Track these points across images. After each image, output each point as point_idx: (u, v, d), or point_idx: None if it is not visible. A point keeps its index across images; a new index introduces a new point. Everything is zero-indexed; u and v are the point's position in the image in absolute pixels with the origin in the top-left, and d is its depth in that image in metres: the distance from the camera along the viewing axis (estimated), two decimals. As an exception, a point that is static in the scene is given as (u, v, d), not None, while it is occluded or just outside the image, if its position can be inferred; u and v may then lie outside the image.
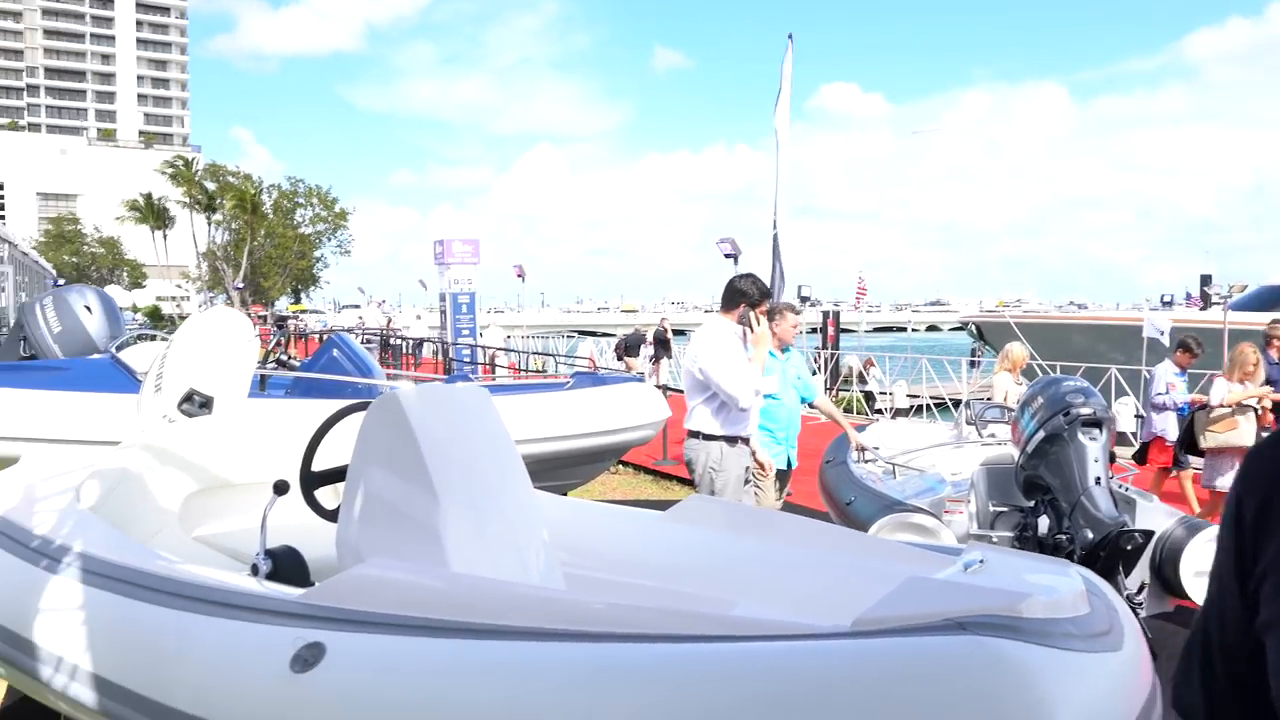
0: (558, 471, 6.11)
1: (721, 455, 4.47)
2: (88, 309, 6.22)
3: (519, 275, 29.73)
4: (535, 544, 2.37)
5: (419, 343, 24.63)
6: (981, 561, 1.97)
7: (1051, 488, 4.58)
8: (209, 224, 56.72)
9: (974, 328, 27.49)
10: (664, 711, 1.50)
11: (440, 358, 22.47)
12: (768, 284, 4.72)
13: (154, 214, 61.88)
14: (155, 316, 47.35)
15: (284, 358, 6.60)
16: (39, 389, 5.49)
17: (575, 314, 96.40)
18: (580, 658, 1.62)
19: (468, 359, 21.40)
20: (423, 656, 1.72)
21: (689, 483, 9.60)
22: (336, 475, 2.58)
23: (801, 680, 1.46)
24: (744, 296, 4.54)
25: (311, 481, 2.56)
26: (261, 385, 6.05)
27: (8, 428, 5.38)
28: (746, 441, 4.59)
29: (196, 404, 3.38)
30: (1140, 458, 7.68)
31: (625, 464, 9.67)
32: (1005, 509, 5.11)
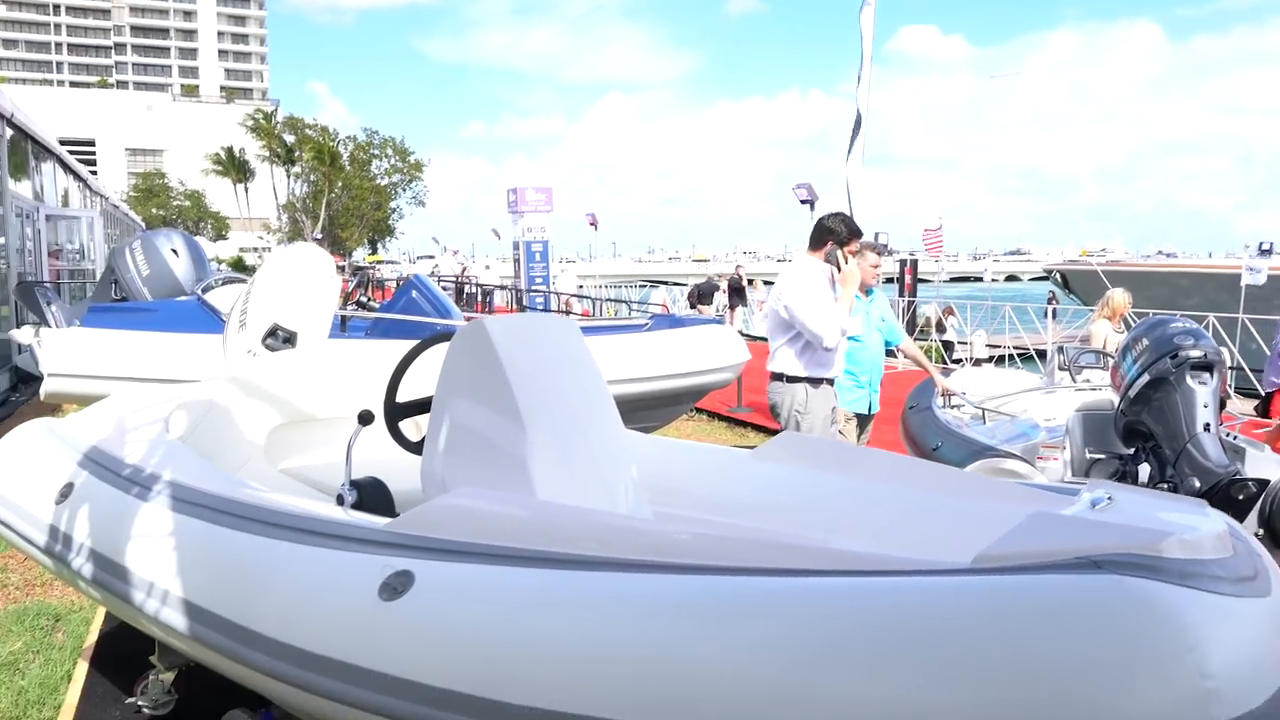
0: (634, 415, 6.04)
1: (807, 398, 4.34)
2: (174, 252, 6.33)
3: (592, 224, 29.60)
4: (624, 478, 2.29)
5: (491, 290, 24.79)
6: (1109, 499, 1.83)
7: (1154, 434, 4.36)
8: (288, 176, 57.77)
9: (1059, 276, 26.60)
10: (770, 648, 1.41)
11: (513, 305, 22.56)
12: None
13: (235, 167, 63.33)
14: (239, 267, 48.63)
15: (364, 300, 6.64)
16: (130, 330, 5.62)
17: (647, 264, 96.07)
18: (676, 590, 1.54)
19: (541, 307, 21.48)
20: (513, 586, 1.66)
21: (764, 429, 9.54)
22: (421, 407, 2.54)
23: (922, 617, 1.35)
24: (832, 234, 4.37)
25: (396, 413, 2.53)
26: (342, 326, 6.10)
27: (101, 367, 5.53)
28: (832, 384, 4.45)
29: (280, 339, 3.37)
30: (1263, 411, 7.30)
31: (699, 411, 9.59)
32: (1102, 456, 4.89)
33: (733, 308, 20.92)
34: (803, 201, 19.74)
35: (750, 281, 23.78)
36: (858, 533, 2.22)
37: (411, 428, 2.73)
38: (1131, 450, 4.60)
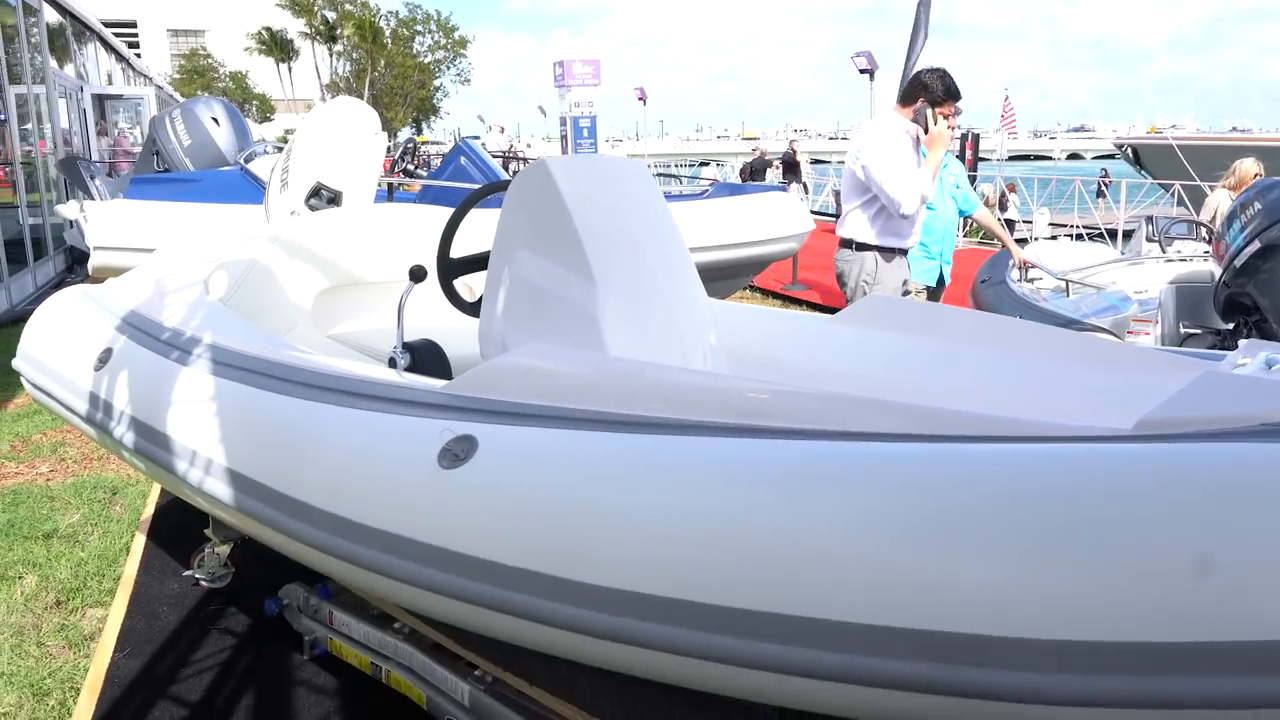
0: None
1: (877, 267, 4.05)
2: (215, 121, 6.11)
3: (640, 99, 28.71)
4: (702, 342, 2.07)
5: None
6: None
7: (1261, 308, 4.02)
8: (331, 55, 56.81)
9: (1129, 151, 25.30)
10: (907, 522, 1.20)
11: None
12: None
13: (278, 46, 62.22)
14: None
15: (410, 169, 6.39)
16: (172, 200, 5.46)
17: (695, 142, 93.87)
18: (782, 457, 1.33)
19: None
20: (590, 451, 1.46)
21: (821, 308, 9.25)
22: (478, 263, 2.32)
23: (1090, 488, 1.13)
24: (926, 90, 3.96)
25: (451, 270, 2.31)
26: (389, 196, 5.88)
27: (145, 239, 5.40)
28: (905, 255, 4.14)
29: (324, 199, 3.17)
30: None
31: (752, 288, 9.31)
32: (1198, 331, 4.57)
33: (786, 185, 20.33)
34: (862, 71, 18.77)
35: (819, 160, 22.95)
36: (978, 401, 1.97)
37: (466, 291, 2.52)
38: (1231, 325, 4.27)
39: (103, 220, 5.40)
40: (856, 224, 4.10)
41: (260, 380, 2.01)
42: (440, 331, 2.50)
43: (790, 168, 20.75)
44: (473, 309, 2.30)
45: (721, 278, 5.92)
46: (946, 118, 3.99)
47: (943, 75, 4.01)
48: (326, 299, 2.84)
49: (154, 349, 2.34)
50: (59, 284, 10.82)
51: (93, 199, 5.72)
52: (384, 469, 1.66)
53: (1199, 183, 14.41)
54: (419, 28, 55.62)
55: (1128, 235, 14.60)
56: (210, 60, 71.35)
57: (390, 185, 5.94)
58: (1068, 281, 5.05)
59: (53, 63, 14.24)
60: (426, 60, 56.35)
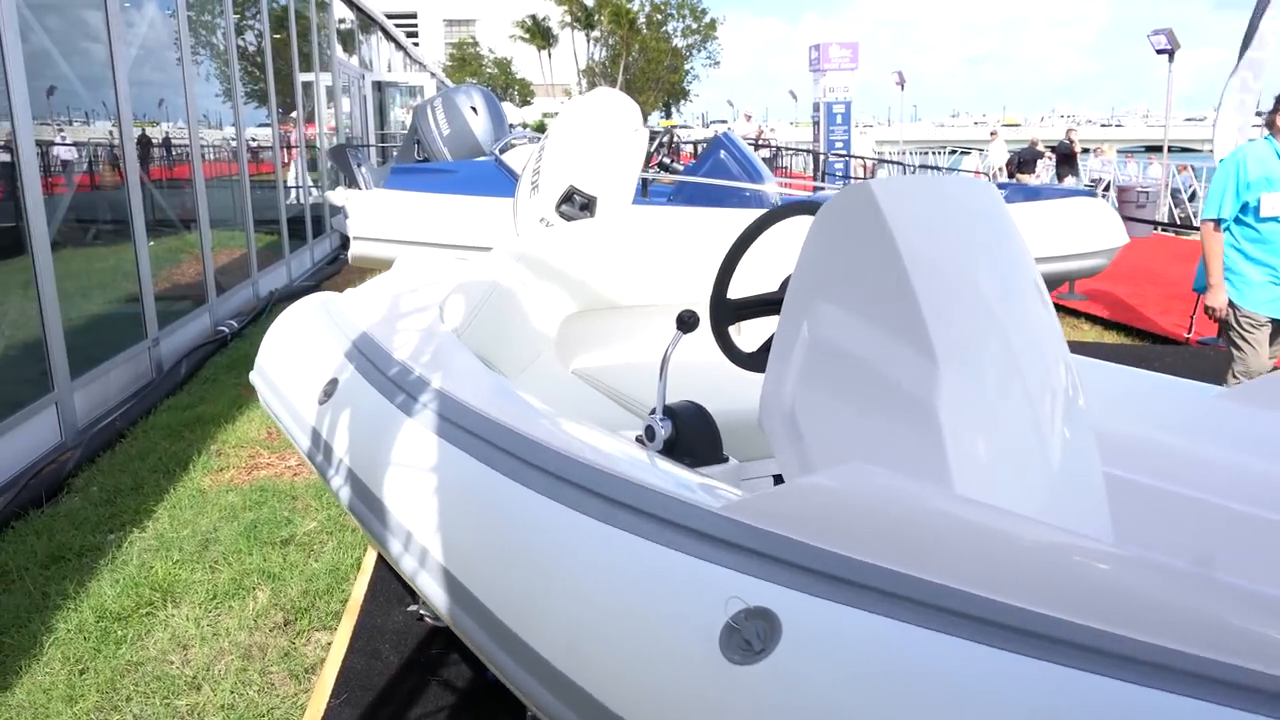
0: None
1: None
2: (474, 110, 6.02)
3: (898, 83, 27.35)
4: (1080, 442, 1.48)
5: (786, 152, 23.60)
6: None
7: None
8: (588, 41, 58.51)
9: None
10: None
11: (813, 172, 21.37)
12: None
13: (540, 34, 64.93)
14: (542, 130, 50.36)
15: (666, 162, 6.03)
16: (426, 191, 5.40)
17: (949, 128, 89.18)
18: None
19: (840, 174, 20.16)
20: (983, 679, 0.92)
21: (1103, 322, 8.07)
22: (763, 306, 1.84)
23: None
24: None
25: (728, 314, 1.85)
26: (643, 191, 5.54)
27: (399, 231, 5.37)
28: None
29: (577, 205, 2.81)
30: None
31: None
32: None
33: (1060, 179, 18.41)
34: (1160, 51, 16.73)
35: (1088, 149, 20.78)
36: None
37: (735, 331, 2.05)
38: None
39: (362, 210, 5.43)
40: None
41: (488, 453, 1.63)
42: (701, 374, 2.05)
43: (1065, 159, 18.77)
44: (751, 361, 1.83)
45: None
46: None
47: None
48: (573, 325, 2.47)
49: (380, 387, 2.05)
50: (333, 260, 11.49)
51: (358, 187, 5.78)
52: (643, 638, 1.20)
53: None
54: (671, 12, 56.12)
55: None
56: (477, 48, 75.67)
57: (644, 180, 5.60)
58: None
59: (340, 53, 15.24)
60: (678, 44, 56.81)
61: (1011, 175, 19.63)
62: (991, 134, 22.85)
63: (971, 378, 1.37)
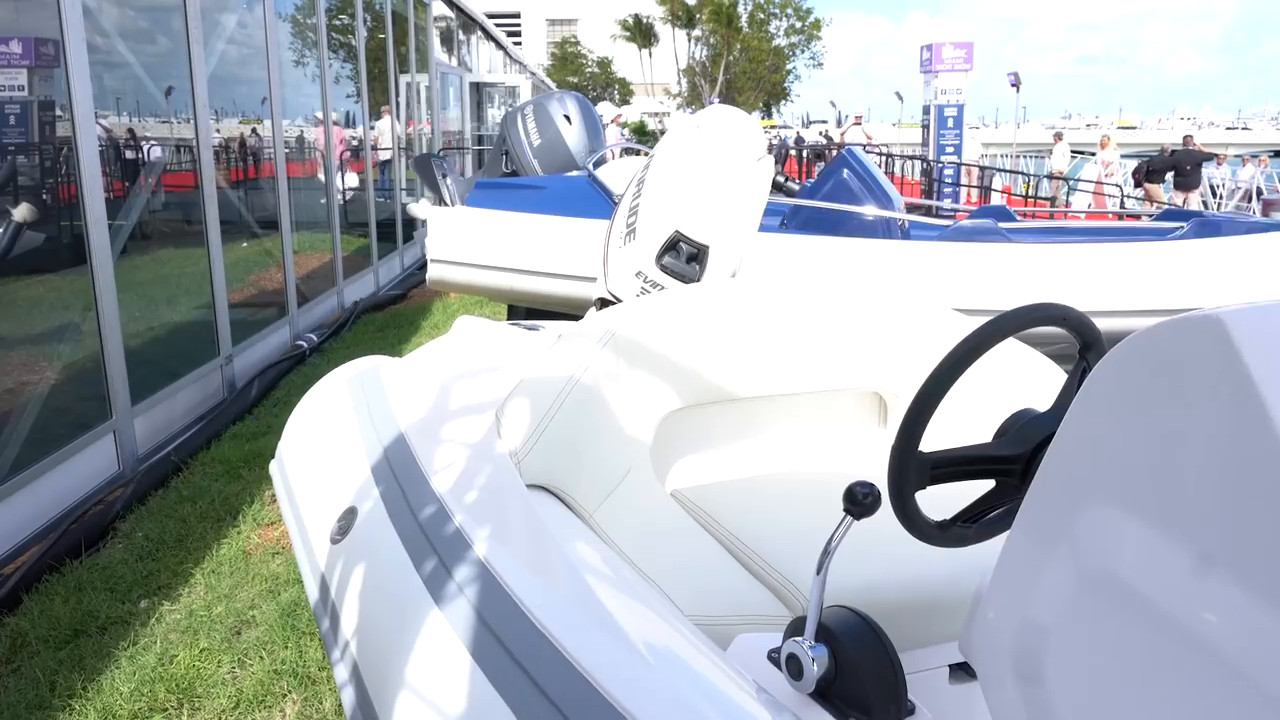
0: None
1: None
2: (567, 119, 5.49)
3: (1014, 84, 25.97)
4: None
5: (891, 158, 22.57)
6: None
7: None
8: (689, 40, 57.95)
9: None
10: None
11: (922, 178, 20.37)
12: None
13: (641, 33, 64.58)
14: (640, 132, 49.84)
15: (781, 179, 5.40)
16: (513, 210, 4.89)
17: (1062, 130, 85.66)
18: None
19: (950, 183, 19.14)
20: None
21: None
22: (976, 465, 1.23)
23: None
24: None
25: (918, 473, 1.23)
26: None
27: (480, 254, 4.89)
28: None
29: (683, 257, 2.25)
30: None
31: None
32: None
33: (1182, 192, 16.91)
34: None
35: (1215, 157, 19.15)
36: None
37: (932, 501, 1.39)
38: None
39: (440, 228, 4.97)
40: None
41: (525, 697, 1.08)
42: (880, 556, 1.45)
43: (1198, 166, 17.16)
44: (944, 535, 1.23)
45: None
46: None
47: None
48: (675, 426, 1.89)
49: (406, 539, 1.52)
50: (424, 265, 11.19)
51: (443, 202, 5.31)
52: None
53: None
54: (775, 10, 55.11)
55: None
56: (579, 47, 75.81)
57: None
58: None
59: (439, 53, 15.02)
60: (780, 43, 55.77)
61: (1139, 184, 18.26)
62: (1056, 137, 21.49)
63: None
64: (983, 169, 19.95)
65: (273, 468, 2.35)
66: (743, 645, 1.20)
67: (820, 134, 32.38)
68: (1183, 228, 4.36)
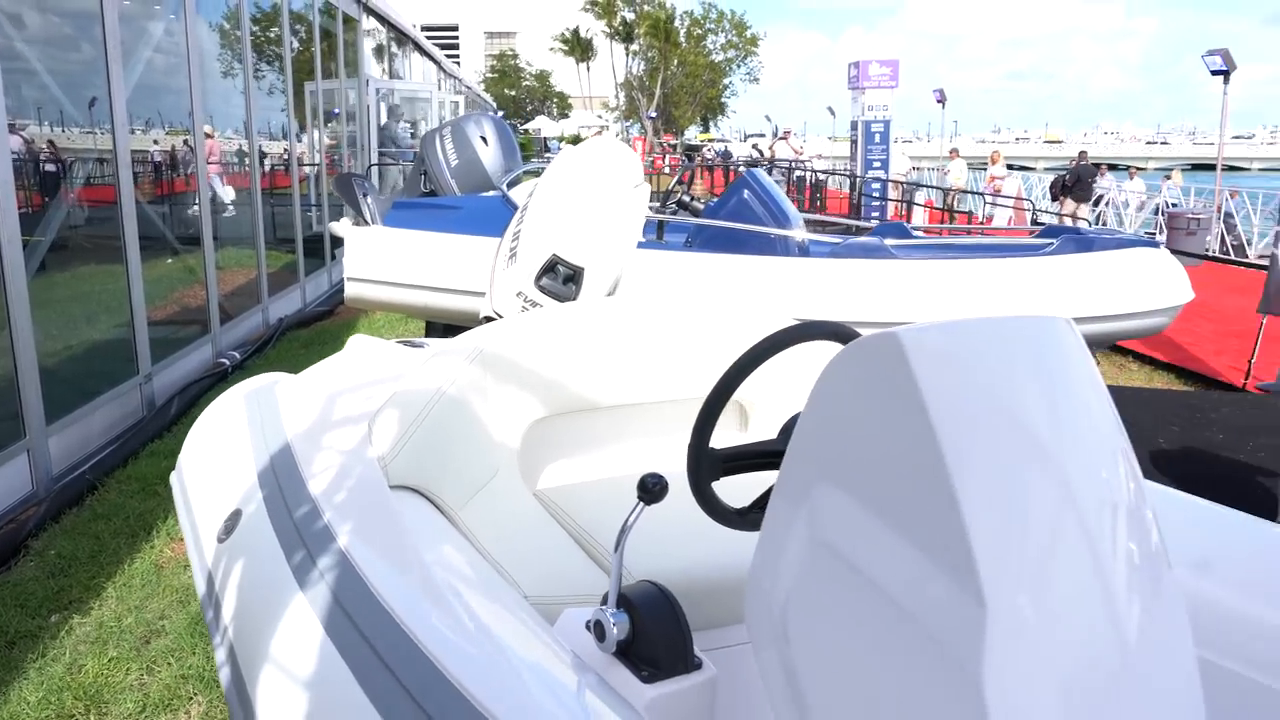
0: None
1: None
2: (484, 139, 5.66)
3: (939, 101, 26.78)
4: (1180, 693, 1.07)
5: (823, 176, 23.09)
6: None
7: None
8: (626, 54, 58.40)
9: None
10: None
11: (848, 192, 20.88)
12: None
13: (579, 46, 64.96)
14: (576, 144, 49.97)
15: (686, 199, 5.62)
16: (426, 229, 5.04)
17: (990, 144, 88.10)
18: None
19: (877, 195, 19.65)
20: None
21: (1153, 362, 7.52)
22: (760, 459, 1.44)
23: None
24: None
25: (712, 469, 1.44)
26: (659, 234, 5.13)
27: (396, 272, 5.02)
28: None
29: (560, 278, 2.43)
30: None
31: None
32: None
33: (1066, 204, 17.53)
34: (1215, 72, 16.12)
35: (1099, 169, 19.63)
36: None
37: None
38: None
39: (358, 248, 5.09)
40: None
41: (372, 672, 1.25)
42: (677, 522, 1.64)
43: (1076, 184, 17.70)
44: (743, 520, 1.43)
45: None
46: None
47: None
48: (541, 431, 2.07)
49: (282, 535, 1.67)
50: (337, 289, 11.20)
51: (364, 220, 5.43)
52: None
53: None
54: (712, 26, 55.85)
55: None
56: (517, 60, 75.94)
57: (660, 223, 5.20)
58: None
59: (371, 69, 15.06)
60: (717, 59, 56.49)
61: (1055, 198, 18.96)
62: (952, 153, 22.25)
63: (1033, 632, 0.96)
64: (903, 184, 20.50)
65: (173, 478, 2.47)
66: (568, 618, 1.38)
67: (752, 147, 32.92)
68: (1053, 244, 4.69)
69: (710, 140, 53.75)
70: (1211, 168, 16.66)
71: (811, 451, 1.12)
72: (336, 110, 12.84)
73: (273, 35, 9.57)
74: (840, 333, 1.47)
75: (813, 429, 1.12)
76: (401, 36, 18.42)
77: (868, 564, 1.04)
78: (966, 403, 1.03)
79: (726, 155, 31.01)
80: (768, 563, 1.17)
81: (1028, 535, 1.02)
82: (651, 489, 1.30)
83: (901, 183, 19.79)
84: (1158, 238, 15.72)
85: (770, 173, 22.64)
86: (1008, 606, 0.96)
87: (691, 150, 38.96)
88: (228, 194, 8.19)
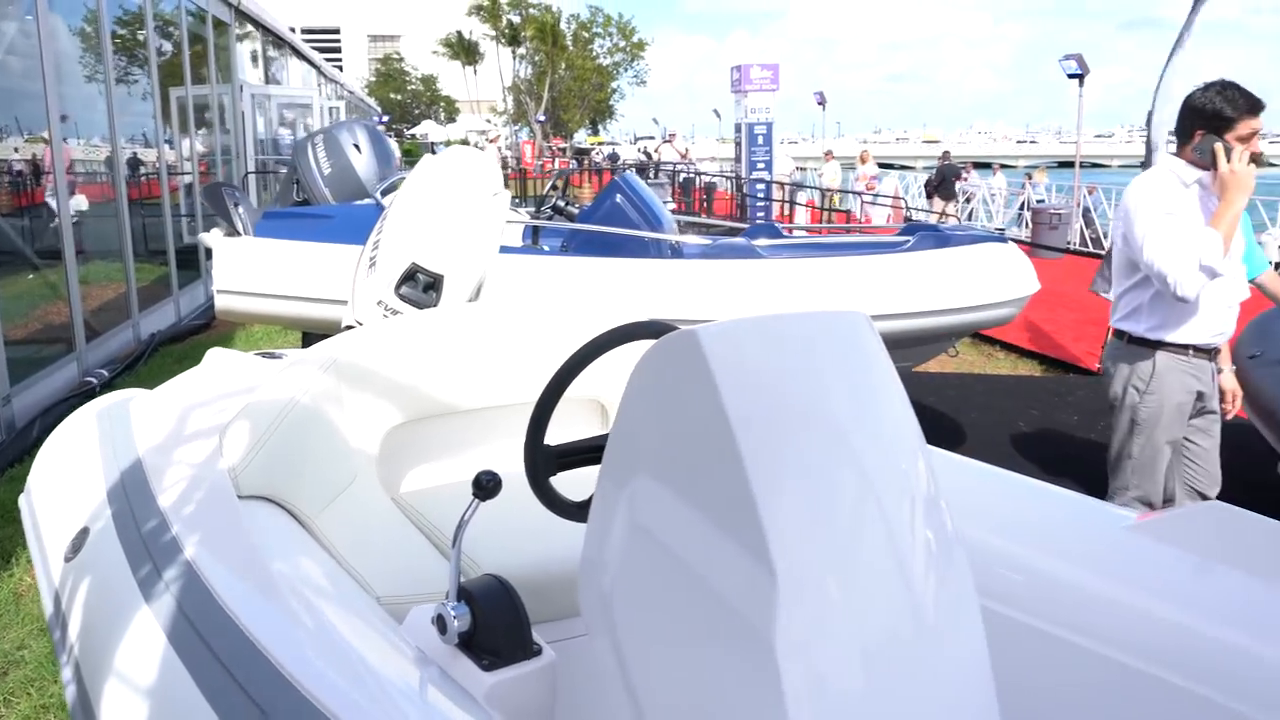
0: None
1: (1153, 372, 3.00)
2: (357, 147, 5.60)
3: (819, 103, 27.54)
4: (968, 660, 1.18)
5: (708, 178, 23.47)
6: None
7: None
8: (514, 58, 58.08)
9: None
10: None
11: (734, 193, 21.27)
12: None
13: (465, 50, 64.31)
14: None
15: (562, 204, 5.70)
16: (301, 240, 4.97)
17: (873, 144, 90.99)
18: None
19: (761, 196, 20.08)
20: None
21: (1017, 350, 7.95)
22: (594, 454, 1.51)
23: None
24: (1200, 118, 2.88)
25: (547, 465, 1.51)
26: (534, 238, 5.19)
27: (268, 284, 4.93)
28: (1210, 355, 3.07)
29: (420, 286, 2.46)
30: None
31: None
32: None
33: (938, 202, 18.40)
34: (1071, 75, 17.05)
35: (981, 165, 20.73)
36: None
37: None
38: None
39: (226, 260, 4.98)
40: (1128, 311, 3.07)
41: (214, 678, 1.28)
42: (525, 518, 1.70)
43: (942, 184, 18.58)
44: (581, 512, 1.50)
45: (920, 344, 4.92)
46: (1246, 144, 2.86)
47: (1223, 88, 2.88)
48: (401, 437, 2.11)
49: (129, 550, 1.67)
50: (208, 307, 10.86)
51: (236, 231, 5.30)
52: None
53: None
54: (598, 30, 56.09)
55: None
56: (402, 64, 74.65)
57: (535, 230, 5.25)
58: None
59: (246, 73, 14.63)
60: (605, 62, 56.73)
61: (930, 196, 19.77)
62: (826, 154, 23.06)
63: (821, 601, 1.06)
64: (786, 185, 20.98)
65: (21, 501, 2.41)
66: (415, 615, 1.43)
67: (640, 151, 33.26)
68: (910, 241, 4.95)
69: (600, 143, 53.96)
70: (1080, 165, 17.66)
71: (626, 443, 1.20)
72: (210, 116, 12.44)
73: (142, 38, 9.23)
74: (661, 330, 1.57)
75: (627, 422, 1.20)
76: (278, 40, 17.95)
77: (680, 546, 1.12)
78: (761, 393, 1.13)
79: (614, 158, 31.25)
80: (594, 551, 1.25)
81: (819, 511, 1.12)
82: (486, 485, 1.36)
83: (785, 184, 20.27)
84: (1022, 233, 16.60)
85: (655, 175, 22.91)
86: (799, 578, 1.06)
87: (581, 154, 39.04)
88: (79, 203, 7.85)
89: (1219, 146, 2.84)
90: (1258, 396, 4.42)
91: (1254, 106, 2.87)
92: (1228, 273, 2.92)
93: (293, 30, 23.09)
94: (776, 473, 1.09)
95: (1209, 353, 3.03)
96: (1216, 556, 1.62)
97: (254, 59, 16.34)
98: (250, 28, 15.16)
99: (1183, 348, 2.98)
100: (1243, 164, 2.85)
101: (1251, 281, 4.09)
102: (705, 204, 21.22)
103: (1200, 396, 3.04)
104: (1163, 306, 2.97)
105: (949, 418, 6.16)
